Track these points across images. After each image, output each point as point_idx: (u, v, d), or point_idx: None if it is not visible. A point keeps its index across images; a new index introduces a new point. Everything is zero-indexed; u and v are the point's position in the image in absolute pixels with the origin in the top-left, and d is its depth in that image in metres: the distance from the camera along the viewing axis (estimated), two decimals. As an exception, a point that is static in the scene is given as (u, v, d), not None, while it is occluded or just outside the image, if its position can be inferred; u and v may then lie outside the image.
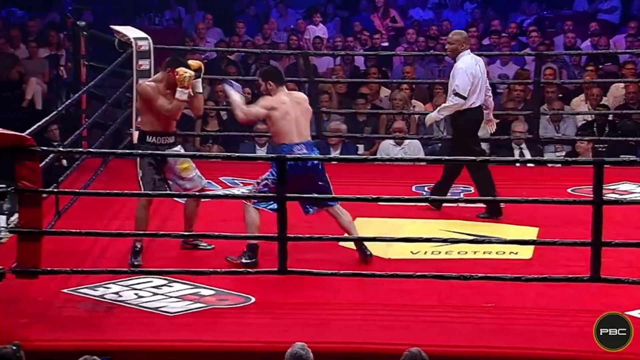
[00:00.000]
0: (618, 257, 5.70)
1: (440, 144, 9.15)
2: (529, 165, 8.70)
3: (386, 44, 11.89)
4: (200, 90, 6.28)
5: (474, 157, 6.30)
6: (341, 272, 5.49)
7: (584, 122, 9.25)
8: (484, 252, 6.12)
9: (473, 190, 7.53)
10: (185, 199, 6.27)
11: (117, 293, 5.54)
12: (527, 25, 12.12)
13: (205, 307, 5.42)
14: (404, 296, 5.55)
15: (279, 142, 6.06)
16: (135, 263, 5.93)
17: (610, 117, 9.13)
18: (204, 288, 5.60)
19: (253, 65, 11.06)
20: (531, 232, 6.50)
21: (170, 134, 6.26)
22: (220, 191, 7.33)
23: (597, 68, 10.14)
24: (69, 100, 7.45)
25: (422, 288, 5.60)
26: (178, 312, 5.35)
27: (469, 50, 6.96)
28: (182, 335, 5.13)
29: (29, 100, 10.70)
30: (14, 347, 4.31)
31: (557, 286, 5.46)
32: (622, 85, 9.42)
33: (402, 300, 5.53)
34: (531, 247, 6.10)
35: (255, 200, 5.96)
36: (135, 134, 7.76)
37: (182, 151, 6.43)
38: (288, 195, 5.42)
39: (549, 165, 8.69)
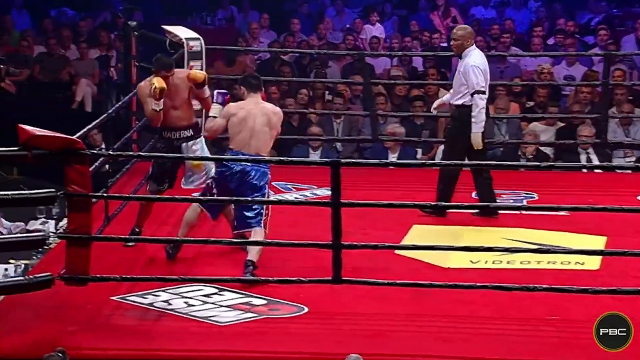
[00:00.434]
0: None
1: (502, 149, 9.06)
2: (596, 171, 8.57)
3: (445, 44, 11.83)
4: (207, 95, 6.48)
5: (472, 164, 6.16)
6: (398, 281, 5.45)
7: (655, 125, 9.11)
8: (548, 262, 6.05)
9: (537, 197, 7.46)
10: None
11: (166, 301, 5.58)
12: (596, 24, 11.96)
13: (257, 317, 5.43)
14: (463, 307, 5.51)
15: (228, 145, 6.21)
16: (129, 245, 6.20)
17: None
18: (256, 297, 5.61)
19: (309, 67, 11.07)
20: (598, 242, 6.41)
21: (184, 127, 6.47)
22: (273, 197, 7.34)
23: (670, 68, 9.99)
24: (119, 103, 7.53)
25: (482, 299, 5.54)
26: (229, 321, 5.37)
27: (474, 46, 6.95)
28: (233, 345, 5.15)
29: (78, 102, 10.84)
30: (60, 354, 4.37)
31: (626, 299, 5.36)
32: (696, 85, 9.26)
33: (461, 311, 5.48)
34: (598, 258, 6.01)
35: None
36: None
37: (203, 145, 6.57)
38: (343, 201, 5.40)
39: (618, 171, 8.55)
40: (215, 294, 5.66)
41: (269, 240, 5.61)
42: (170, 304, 5.55)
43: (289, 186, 7.59)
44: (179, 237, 6.09)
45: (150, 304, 5.55)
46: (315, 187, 7.62)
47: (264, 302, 5.58)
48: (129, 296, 5.62)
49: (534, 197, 7.53)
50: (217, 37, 11.61)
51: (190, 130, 6.52)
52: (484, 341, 5.16)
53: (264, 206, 6.06)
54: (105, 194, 6.54)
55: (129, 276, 5.57)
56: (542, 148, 8.86)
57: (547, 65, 10.16)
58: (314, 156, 8.83)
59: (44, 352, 4.60)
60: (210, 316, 5.41)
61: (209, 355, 5.09)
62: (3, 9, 12.88)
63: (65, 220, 6.01)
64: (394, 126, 9.06)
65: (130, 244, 6.28)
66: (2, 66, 5.88)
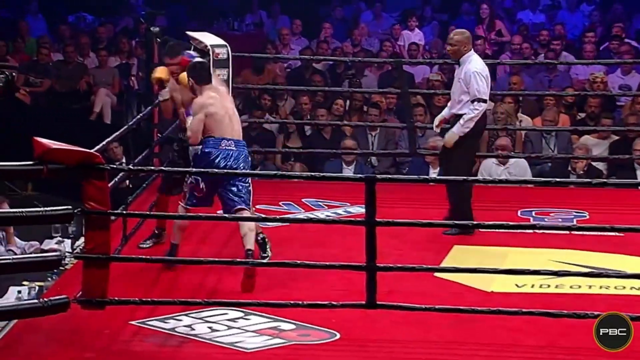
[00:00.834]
0: None
1: (550, 164, 9.04)
2: (653, 188, 8.51)
3: (490, 51, 11.82)
4: (165, 97, 6.71)
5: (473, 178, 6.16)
6: (436, 306, 5.45)
7: None
8: (601, 287, 6.02)
9: (588, 217, 7.43)
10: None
11: (189, 326, 5.61)
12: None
13: (286, 343, 5.44)
14: (507, 335, 5.49)
15: (205, 135, 6.26)
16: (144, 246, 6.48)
17: None
18: (284, 322, 5.63)
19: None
20: (656, 265, 6.38)
21: None
22: (301, 214, 7.38)
23: None
24: (140, 115, 7.59)
25: (528, 326, 5.52)
26: (255, 347, 5.39)
27: (472, 51, 6.99)
28: (260, 373, 5.17)
29: (97, 113, 10.93)
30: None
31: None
32: None
33: (506, 339, 5.46)
34: (655, 282, 5.97)
35: (186, 201, 6.31)
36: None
37: None
38: (379, 220, 5.42)
39: (677, 188, 8.49)
40: (241, 318, 5.69)
41: (300, 262, 5.62)
42: (193, 329, 5.58)
43: (320, 203, 7.62)
44: (176, 243, 6.34)
45: (172, 329, 5.58)
46: (349, 204, 7.64)
47: (293, 327, 5.59)
48: (149, 320, 5.66)
49: (584, 216, 7.49)
50: (245, 43, 11.69)
51: None
52: (530, 372, 5.15)
53: (250, 190, 6.30)
54: (125, 212, 6.59)
55: (149, 299, 5.61)
56: (594, 163, 8.83)
57: (601, 74, 10.14)
58: (348, 171, 8.86)
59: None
60: (235, 342, 5.44)
61: (234, 384, 5.10)
62: (17, 14, 13.04)
63: (82, 240, 6.06)
64: (435, 139, 9.04)
65: (146, 244, 6.52)
66: (14, 74, 5.96)
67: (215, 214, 6.38)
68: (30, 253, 6.97)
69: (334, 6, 13.73)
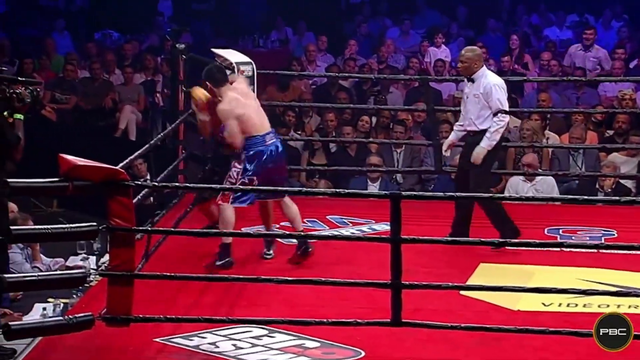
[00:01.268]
0: None
1: (577, 181, 9.01)
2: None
3: (516, 65, 11.81)
4: (205, 118, 6.87)
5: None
6: (463, 325, 5.44)
7: None
8: (630, 306, 5.98)
9: (616, 235, 7.40)
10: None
11: (213, 344, 5.62)
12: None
13: (310, 361, 5.45)
14: (534, 354, 5.47)
15: (249, 135, 6.59)
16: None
17: None
18: (309, 339, 5.64)
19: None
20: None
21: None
22: (326, 231, 7.40)
23: None
24: (165, 131, 7.63)
25: (555, 345, 5.50)
26: (280, 366, 5.40)
27: (484, 67, 7.02)
28: (284, 392, 5.17)
29: (122, 130, 10.99)
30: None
31: None
32: None
33: (533, 358, 5.45)
34: (686, 302, 5.93)
35: (233, 198, 6.56)
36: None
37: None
38: (404, 237, 5.42)
39: None
40: (265, 335, 5.70)
41: (324, 279, 5.63)
42: (217, 347, 5.60)
43: (345, 220, 7.63)
44: (228, 242, 6.57)
45: (196, 347, 5.60)
46: (374, 221, 7.65)
47: (318, 344, 5.60)
48: (174, 338, 5.68)
49: (613, 235, 7.46)
50: (270, 60, 11.73)
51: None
52: (558, 392, 5.13)
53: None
54: (150, 228, 6.63)
55: (174, 317, 5.63)
56: (622, 181, 8.79)
57: (629, 91, 10.09)
58: (373, 188, 8.87)
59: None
60: (260, 360, 5.45)
61: (258, 403, 5.11)
62: (44, 32, 13.17)
63: (107, 256, 6.10)
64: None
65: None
66: (40, 91, 6.04)
67: (245, 231, 6.40)
68: (55, 270, 7.02)
69: (359, 22, 13.77)
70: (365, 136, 9.68)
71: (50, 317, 6.07)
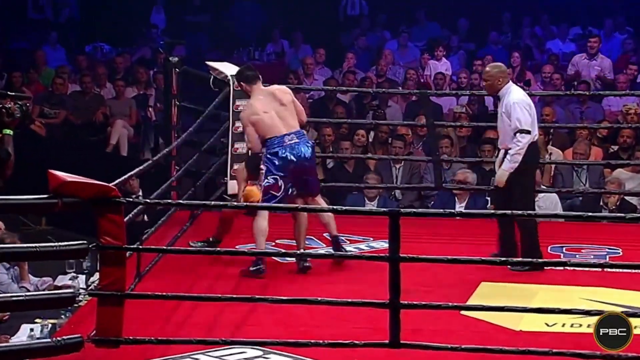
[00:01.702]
0: None
1: (581, 198, 9.00)
2: None
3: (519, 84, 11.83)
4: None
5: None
6: (463, 346, 5.43)
7: None
8: (636, 327, 5.95)
9: (621, 253, 7.39)
10: None
11: (206, 365, 5.61)
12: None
13: (306, 383, 5.44)
14: (537, 376, 5.45)
15: (266, 137, 6.85)
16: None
17: None
18: (305, 361, 5.63)
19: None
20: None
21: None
22: (323, 249, 7.39)
23: None
24: (165, 151, 7.66)
25: (559, 367, 5.48)
26: (275, 388, 5.38)
27: (511, 83, 6.99)
28: (279, 415, 5.15)
29: (113, 145, 10.99)
30: None
31: None
32: None
33: (536, 381, 5.43)
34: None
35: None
36: (231, 183, 7.94)
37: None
38: (403, 256, 5.41)
39: None
40: (259, 357, 5.67)
41: (321, 299, 5.62)
42: (210, 369, 5.58)
43: (342, 238, 7.61)
44: (259, 249, 6.78)
45: (189, 369, 5.59)
46: (372, 239, 7.64)
47: (314, 367, 5.58)
48: (165, 359, 5.67)
49: (618, 253, 7.45)
50: (266, 73, 11.73)
51: None
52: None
53: None
54: (140, 247, 6.62)
55: (164, 338, 5.61)
56: (627, 198, 8.79)
57: (634, 105, 10.11)
58: (370, 205, 8.86)
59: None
60: (254, 383, 5.43)
61: None
62: (36, 45, 13.18)
63: (96, 276, 6.08)
64: (464, 172, 9.03)
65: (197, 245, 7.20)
66: (29, 105, 6.01)
67: (234, 250, 6.38)
68: (43, 290, 7.00)
69: (357, 35, 13.79)
70: (363, 151, 9.68)
71: (37, 338, 6.05)
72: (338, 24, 14.60)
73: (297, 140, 6.90)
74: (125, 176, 6.11)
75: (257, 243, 6.85)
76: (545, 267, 6.84)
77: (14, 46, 13.47)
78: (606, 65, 11.74)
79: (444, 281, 6.64)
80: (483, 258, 5.83)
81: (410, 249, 5.56)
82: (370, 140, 10.02)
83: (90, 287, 6.61)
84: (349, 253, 7.08)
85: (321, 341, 5.54)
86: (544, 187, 8.81)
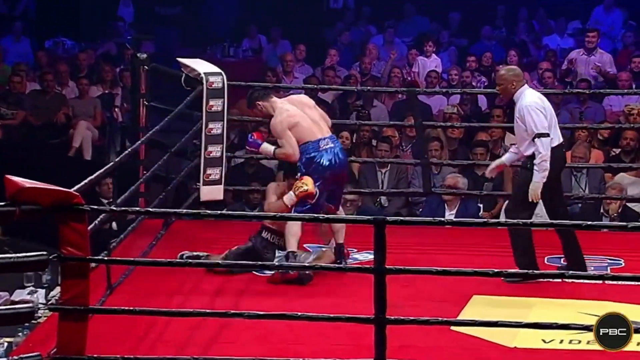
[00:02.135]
0: None
1: (580, 205, 9.04)
2: None
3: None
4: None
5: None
6: (454, 364, 5.45)
7: None
8: (638, 344, 5.99)
9: (623, 264, 7.43)
10: None
11: (177, 385, 5.61)
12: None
13: (284, 404, 5.44)
14: (533, 396, 5.48)
15: (301, 143, 7.03)
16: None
17: None
18: (282, 380, 5.63)
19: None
20: None
21: None
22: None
23: None
24: (128, 151, 7.62)
25: (556, 386, 5.52)
26: (251, 410, 5.38)
27: (526, 86, 7.04)
28: None
29: (76, 149, 10.97)
30: None
31: None
32: None
33: (531, 401, 5.46)
34: None
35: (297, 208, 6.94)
36: (204, 189, 7.94)
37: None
38: (389, 267, 5.42)
39: None
40: (235, 377, 5.68)
41: (301, 313, 5.62)
42: (181, 389, 5.58)
43: (324, 249, 7.61)
44: (292, 250, 6.98)
45: (158, 389, 5.58)
46: (356, 250, 7.65)
47: (294, 386, 5.59)
48: (132, 379, 5.66)
49: (620, 264, 7.49)
50: (242, 71, 11.77)
51: None
52: None
53: None
54: (106, 258, 6.61)
55: (131, 356, 5.61)
56: (630, 205, 8.83)
57: (637, 105, 10.15)
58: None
59: None
60: (228, 404, 5.43)
61: None
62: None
63: (57, 289, 6.07)
64: (454, 176, 9.06)
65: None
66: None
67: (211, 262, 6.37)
68: None
69: (340, 30, 13.81)
70: (347, 154, 9.68)
71: (-7, 357, 6.04)
72: (320, 18, 14.64)
73: (332, 145, 7.08)
74: (86, 180, 6.09)
75: (289, 245, 7.01)
76: (543, 280, 6.85)
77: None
78: (606, 61, 11.79)
79: (433, 294, 6.66)
80: (475, 269, 5.83)
81: (397, 260, 5.58)
82: (354, 142, 10.02)
83: (50, 302, 6.60)
84: (332, 265, 7.08)
85: (301, 359, 5.55)
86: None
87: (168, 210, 7.64)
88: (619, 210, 8.66)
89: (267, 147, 7.26)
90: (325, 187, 7.05)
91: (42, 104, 11.35)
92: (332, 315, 5.68)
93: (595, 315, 6.37)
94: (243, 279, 6.99)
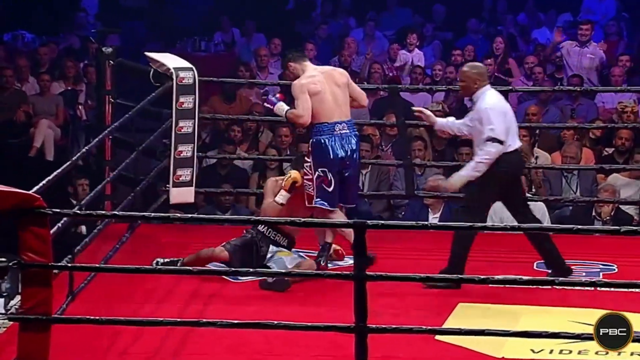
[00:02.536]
0: None
1: (571, 208, 9.09)
2: None
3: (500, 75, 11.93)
4: (282, 202, 7.29)
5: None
6: (438, 375, 5.48)
7: None
8: (632, 353, 6.03)
9: (616, 270, 7.47)
10: None
11: (145, 399, 5.62)
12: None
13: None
14: (521, 409, 5.52)
15: (316, 121, 7.04)
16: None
17: None
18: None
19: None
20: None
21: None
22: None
23: None
24: (85, 149, 7.60)
25: (546, 399, 5.55)
26: None
27: (488, 86, 7.07)
28: None
29: (37, 149, 10.94)
30: None
31: None
32: None
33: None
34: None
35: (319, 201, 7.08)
36: (174, 191, 7.95)
37: None
38: (370, 273, 5.45)
39: None
40: (207, 390, 5.70)
41: (277, 322, 5.64)
42: (149, 404, 5.59)
43: (302, 254, 7.63)
44: (329, 241, 7.17)
45: (125, 404, 5.59)
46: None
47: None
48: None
49: (613, 270, 7.54)
50: (214, 66, 11.76)
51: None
52: None
53: None
54: (69, 264, 6.61)
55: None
56: (623, 207, 8.88)
57: (631, 103, 10.20)
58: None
59: None
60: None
61: None
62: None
63: (18, 298, 6.06)
64: (436, 178, 9.08)
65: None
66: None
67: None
68: (-44, 315, 6.96)
69: (318, 23, 13.83)
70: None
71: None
72: (296, 10, 14.64)
73: (347, 131, 7.12)
74: (44, 181, 6.09)
75: (326, 235, 7.17)
76: (531, 287, 6.89)
77: None
78: (599, 53, 11.85)
79: (416, 302, 6.69)
80: (460, 276, 5.88)
81: (378, 266, 5.61)
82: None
83: (10, 311, 6.59)
84: (310, 271, 7.10)
85: (278, 371, 5.58)
86: (529, 195, 8.87)
87: (136, 213, 7.61)
88: (612, 213, 8.71)
89: (282, 107, 7.23)
90: (340, 175, 7.13)
91: (1, 101, 11.30)
92: (310, 323, 5.70)
93: (587, 324, 6.43)
94: (216, 285, 7.00)
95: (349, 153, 7.13)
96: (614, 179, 9.21)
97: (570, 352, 6.09)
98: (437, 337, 6.12)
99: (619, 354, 6.05)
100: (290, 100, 7.30)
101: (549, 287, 6.97)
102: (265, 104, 7.50)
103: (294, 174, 7.19)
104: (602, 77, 11.61)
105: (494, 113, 6.94)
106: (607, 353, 6.06)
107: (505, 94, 10.82)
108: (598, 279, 7.12)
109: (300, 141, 9.90)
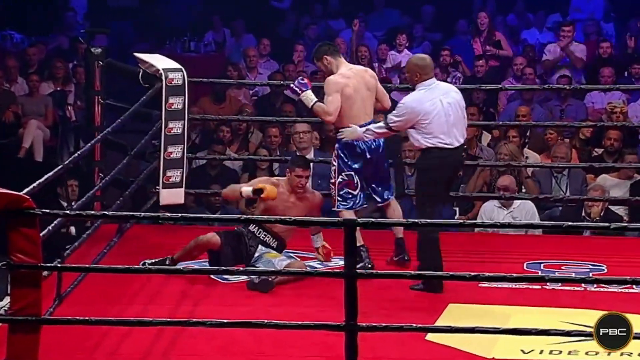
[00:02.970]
0: None
1: (561, 207, 9.10)
2: None
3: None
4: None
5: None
6: (429, 375, 5.48)
7: None
8: (622, 354, 6.04)
9: (606, 270, 7.48)
10: None
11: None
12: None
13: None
14: (512, 409, 5.52)
15: (343, 125, 7.17)
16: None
17: None
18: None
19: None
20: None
21: None
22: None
23: None
24: (80, 152, 7.60)
25: (537, 398, 5.56)
26: None
27: (433, 79, 7.01)
28: None
29: (26, 149, 10.91)
30: None
31: None
32: None
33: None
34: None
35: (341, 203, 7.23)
36: (164, 192, 7.94)
37: None
38: (360, 272, 5.44)
39: None
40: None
41: (267, 321, 5.63)
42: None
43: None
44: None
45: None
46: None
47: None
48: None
49: (602, 270, 7.54)
50: (204, 66, 11.75)
51: None
52: None
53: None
54: (59, 265, 6.59)
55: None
56: (612, 207, 8.89)
57: (620, 103, 10.22)
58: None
59: None
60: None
61: None
62: None
63: (7, 299, 6.04)
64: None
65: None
66: None
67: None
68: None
69: (307, 24, 13.83)
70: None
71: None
72: (285, 11, 14.63)
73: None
74: (35, 184, 6.07)
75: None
76: (521, 286, 6.89)
77: None
78: (582, 51, 11.88)
79: (407, 301, 6.69)
80: (451, 273, 5.88)
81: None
82: (323, 140, 10.03)
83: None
84: (300, 270, 7.09)
85: (266, 370, 5.57)
86: (519, 195, 8.89)
87: (125, 213, 7.61)
88: (601, 214, 8.71)
89: (310, 96, 7.30)
90: (367, 175, 7.26)
91: (-12, 102, 11.29)
92: (299, 322, 5.69)
93: (577, 324, 6.45)
94: (206, 285, 6.99)
95: (374, 153, 7.27)
96: (603, 179, 9.22)
97: (560, 352, 6.10)
98: (428, 337, 6.12)
99: (609, 354, 6.07)
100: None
101: (540, 286, 6.98)
102: (293, 87, 7.43)
103: (269, 188, 7.21)
104: (591, 76, 11.62)
105: (403, 108, 6.94)
106: (597, 353, 6.08)
107: (495, 92, 10.94)
108: (588, 277, 7.13)
109: (290, 141, 9.89)
